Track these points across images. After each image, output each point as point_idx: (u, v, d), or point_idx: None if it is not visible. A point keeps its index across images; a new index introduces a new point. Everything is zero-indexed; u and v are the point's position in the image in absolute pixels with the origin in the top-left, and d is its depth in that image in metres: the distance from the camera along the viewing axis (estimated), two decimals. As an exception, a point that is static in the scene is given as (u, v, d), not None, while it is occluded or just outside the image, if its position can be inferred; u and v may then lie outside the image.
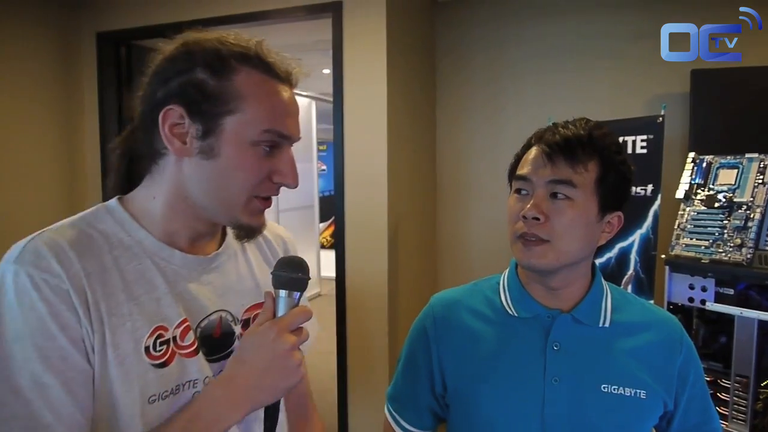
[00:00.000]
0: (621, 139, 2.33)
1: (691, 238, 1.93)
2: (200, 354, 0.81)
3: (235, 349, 0.86)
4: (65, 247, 0.72)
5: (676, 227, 1.97)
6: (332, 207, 3.10)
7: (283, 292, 0.79)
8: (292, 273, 0.80)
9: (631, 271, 2.51)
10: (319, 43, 4.03)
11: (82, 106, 3.40)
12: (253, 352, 0.76)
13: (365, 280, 2.88)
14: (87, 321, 0.70)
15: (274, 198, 0.84)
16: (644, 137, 2.44)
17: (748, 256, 1.78)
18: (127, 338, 0.73)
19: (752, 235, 1.79)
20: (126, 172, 0.86)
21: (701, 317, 1.93)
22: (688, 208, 1.98)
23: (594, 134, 0.95)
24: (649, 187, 2.30)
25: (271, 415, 0.79)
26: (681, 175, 2.46)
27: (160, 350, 0.76)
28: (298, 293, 0.80)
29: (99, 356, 0.71)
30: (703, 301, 1.83)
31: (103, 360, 0.71)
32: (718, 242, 1.86)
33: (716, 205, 1.90)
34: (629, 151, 2.39)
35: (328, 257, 5.08)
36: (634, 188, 2.00)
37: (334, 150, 2.94)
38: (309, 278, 0.81)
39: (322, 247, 7.15)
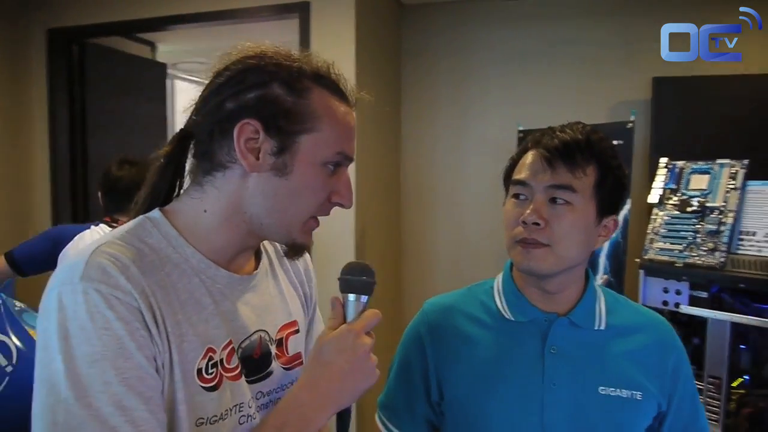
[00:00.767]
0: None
1: (665, 242, 2.02)
2: (243, 377, 0.82)
3: (274, 369, 0.88)
4: (128, 263, 0.71)
5: (649, 231, 2.06)
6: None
7: (352, 296, 0.83)
8: (360, 277, 0.84)
9: (601, 275, 2.61)
10: (286, 44, 4.03)
11: (30, 106, 3.29)
12: (335, 355, 0.78)
13: (332, 287, 2.88)
14: (159, 339, 0.71)
15: None
16: (614, 143, 2.54)
17: (721, 259, 1.88)
18: (186, 359, 0.74)
19: (725, 239, 1.90)
20: (171, 182, 0.86)
21: (674, 320, 2.02)
22: (661, 213, 2.07)
23: (592, 139, 0.99)
24: (621, 192, 2.39)
25: (345, 416, 0.83)
26: (644, 180, 2.57)
27: (211, 373, 0.77)
28: (366, 296, 0.84)
29: (168, 375, 0.72)
30: (677, 305, 1.92)
31: (170, 380, 0.72)
32: (692, 246, 1.96)
33: (689, 209, 2.00)
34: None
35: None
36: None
37: (302, 155, 2.94)
38: (375, 282, 0.85)
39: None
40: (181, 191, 0.87)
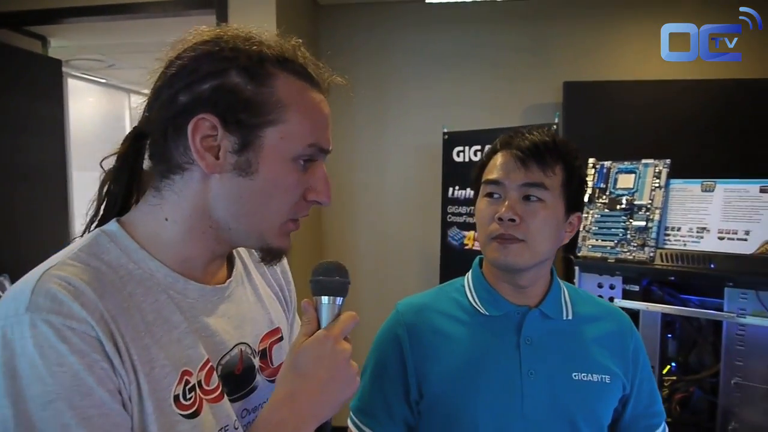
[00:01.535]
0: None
1: (597, 239, 2.20)
2: (225, 396, 0.77)
3: (259, 383, 0.83)
4: (81, 286, 0.65)
5: (581, 229, 2.24)
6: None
7: (325, 299, 0.79)
8: (333, 278, 0.80)
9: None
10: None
11: None
12: (313, 365, 0.75)
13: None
14: (122, 370, 0.65)
15: None
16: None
17: (651, 254, 2.08)
18: (158, 387, 0.68)
19: (653, 235, 2.09)
20: (127, 190, 0.79)
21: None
22: (591, 211, 2.25)
23: (557, 141, 1.09)
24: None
25: (325, 429, 0.79)
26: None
27: (189, 398, 0.71)
28: (341, 298, 0.80)
29: (137, 409, 0.66)
30: (611, 299, 2.09)
31: (140, 414, 0.66)
32: (623, 242, 2.14)
33: (618, 207, 2.19)
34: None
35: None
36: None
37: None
38: (350, 282, 0.81)
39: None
40: (139, 198, 0.80)
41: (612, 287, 2.12)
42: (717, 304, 1.98)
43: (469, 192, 3.19)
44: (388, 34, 3.62)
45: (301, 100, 0.75)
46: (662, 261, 2.06)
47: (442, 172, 3.33)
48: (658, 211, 2.10)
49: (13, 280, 2.62)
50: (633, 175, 2.20)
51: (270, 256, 0.80)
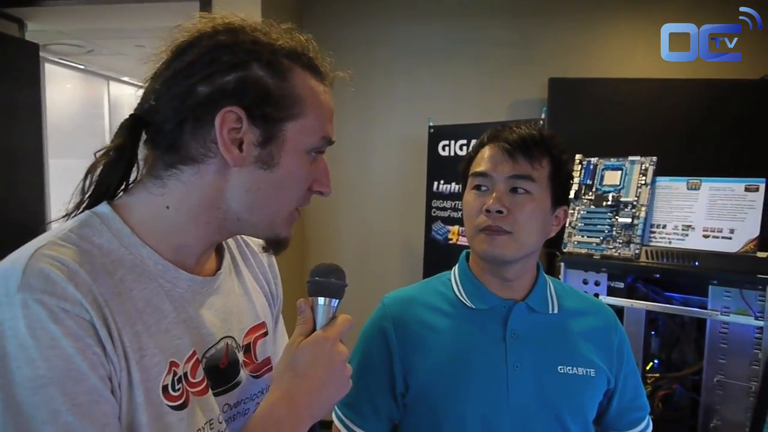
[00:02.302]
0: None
1: (583, 236, 2.24)
2: (209, 390, 0.78)
3: (242, 379, 0.84)
4: (74, 267, 0.64)
5: (567, 225, 2.27)
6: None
7: (321, 300, 0.81)
8: (331, 279, 0.82)
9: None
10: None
11: None
12: (312, 366, 0.77)
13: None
14: (114, 356, 0.64)
15: None
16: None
17: (636, 251, 2.12)
18: (149, 376, 0.68)
19: (639, 232, 2.13)
20: (123, 176, 0.78)
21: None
22: (577, 207, 2.29)
23: (544, 134, 1.13)
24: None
25: (314, 429, 0.81)
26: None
27: (177, 389, 0.71)
28: (337, 300, 0.82)
29: (126, 398, 0.66)
30: (596, 295, 2.13)
31: (130, 402, 0.66)
32: (608, 239, 2.18)
33: (605, 204, 2.23)
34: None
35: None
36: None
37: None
38: (347, 284, 0.84)
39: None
40: (132, 183, 0.79)
41: (597, 284, 2.15)
42: (701, 302, 2.03)
43: (454, 186, 3.21)
44: (373, 26, 3.64)
45: (315, 94, 0.77)
46: (647, 258, 2.10)
47: (427, 166, 3.35)
48: (644, 209, 2.14)
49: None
50: (619, 172, 2.23)
51: (276, 245, 0.82)
